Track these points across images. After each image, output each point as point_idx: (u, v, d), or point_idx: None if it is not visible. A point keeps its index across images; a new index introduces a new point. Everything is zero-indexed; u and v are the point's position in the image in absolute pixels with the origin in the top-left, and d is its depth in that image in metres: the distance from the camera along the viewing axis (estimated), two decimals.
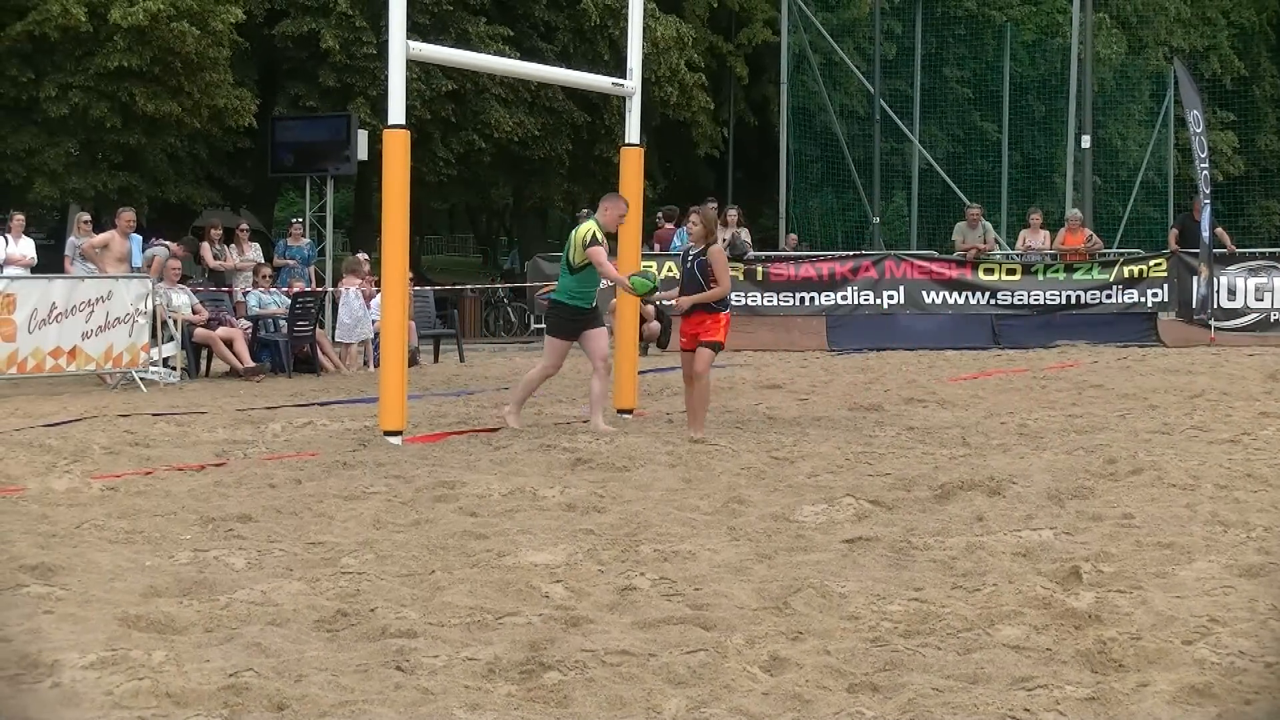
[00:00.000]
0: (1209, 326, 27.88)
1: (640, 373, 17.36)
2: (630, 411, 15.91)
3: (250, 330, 22.62)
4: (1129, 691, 5.77)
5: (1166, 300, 28.85)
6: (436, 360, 25.60)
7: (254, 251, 26.46)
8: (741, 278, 28.87)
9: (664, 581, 7.70)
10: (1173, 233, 30.82)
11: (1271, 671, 6.00)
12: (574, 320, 14.73)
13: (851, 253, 31.58)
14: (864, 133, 39.99)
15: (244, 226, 27.61)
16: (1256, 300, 28.73)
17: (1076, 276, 28.88)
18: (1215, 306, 28.16)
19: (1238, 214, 45.13)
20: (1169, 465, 11.72)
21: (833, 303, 28.97)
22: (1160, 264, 28.92)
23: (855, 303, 28.95)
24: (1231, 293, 28.64)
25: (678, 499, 10.45)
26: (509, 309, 32.98)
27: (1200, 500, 10.13)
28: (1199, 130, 29.61)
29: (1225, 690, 5.75)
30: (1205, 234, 28.32)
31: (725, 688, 5.89)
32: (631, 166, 16.28)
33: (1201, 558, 8.19)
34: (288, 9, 31.23)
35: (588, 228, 14.55)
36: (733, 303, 15.85)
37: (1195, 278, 28.31)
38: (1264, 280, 28.69)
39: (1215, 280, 28.21)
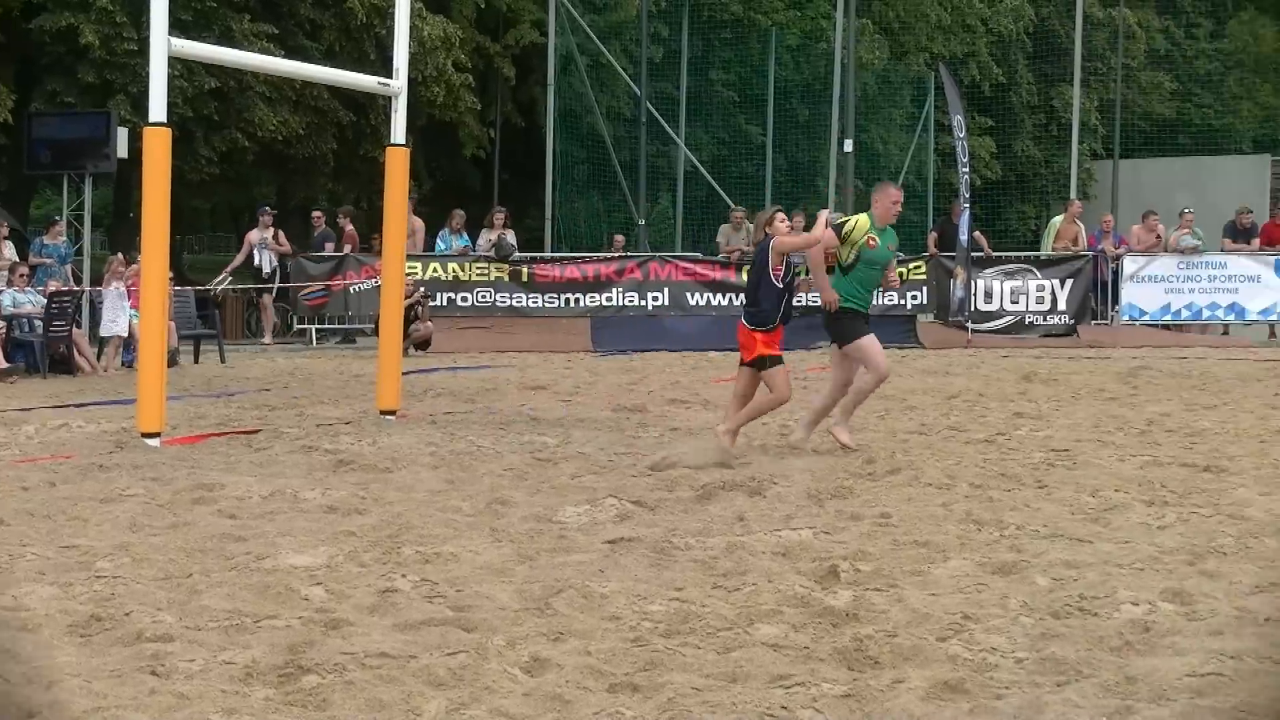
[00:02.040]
0: (966, 328, 28.39)
1: (404, 374, 17.28)
2: (393, 413, 15.81)
3: (4, 330, 22.12)
4: (884, 688, 5.85)
5: (925, 302, 29.40)
6: (197, 361, 25.21)
7: (8, 250, 25.87)
8: (507, 279, 28.91)
9: (425, 583, 7.66)
10: (932, 236, 31.38)
11: (1021, 666, 6.13)
12: (860, 316, 13.34)
13: (617, 254, 31.68)
14: (630, 135, 40.09)
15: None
16: (1012, 303, 29.38)
17: None
18: (972, 309, 28.71)
19: (995, 218, 46.00)
20: (926, 465, 11.94)
21: (598, 304, 29.09)
22: (919, 267, 29.44)
23: (620, 304, 29.11)
24: (988, 295, 29.25)
25: (440, 500, 10.41)
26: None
27: (956, 499, 10.32)
28: (961, 135, 30.16)
29: (977, 686, 5.86)
30: (963, 237, 28.83)
31: (486, 689, 5.88)
32: (397, 167, 16.20)
33: (956, 556, 8.34)
34: (45, 2, 30.55)
35: (854, 218, 13.27)
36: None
37: (953, 280, 28.82)
38: (1019, 283, 29.36)
39: (972, 283, 28.75)
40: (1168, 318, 29.97)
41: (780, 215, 12.91)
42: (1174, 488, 10.72)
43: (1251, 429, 14.47)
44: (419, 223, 30.47)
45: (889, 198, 13.15)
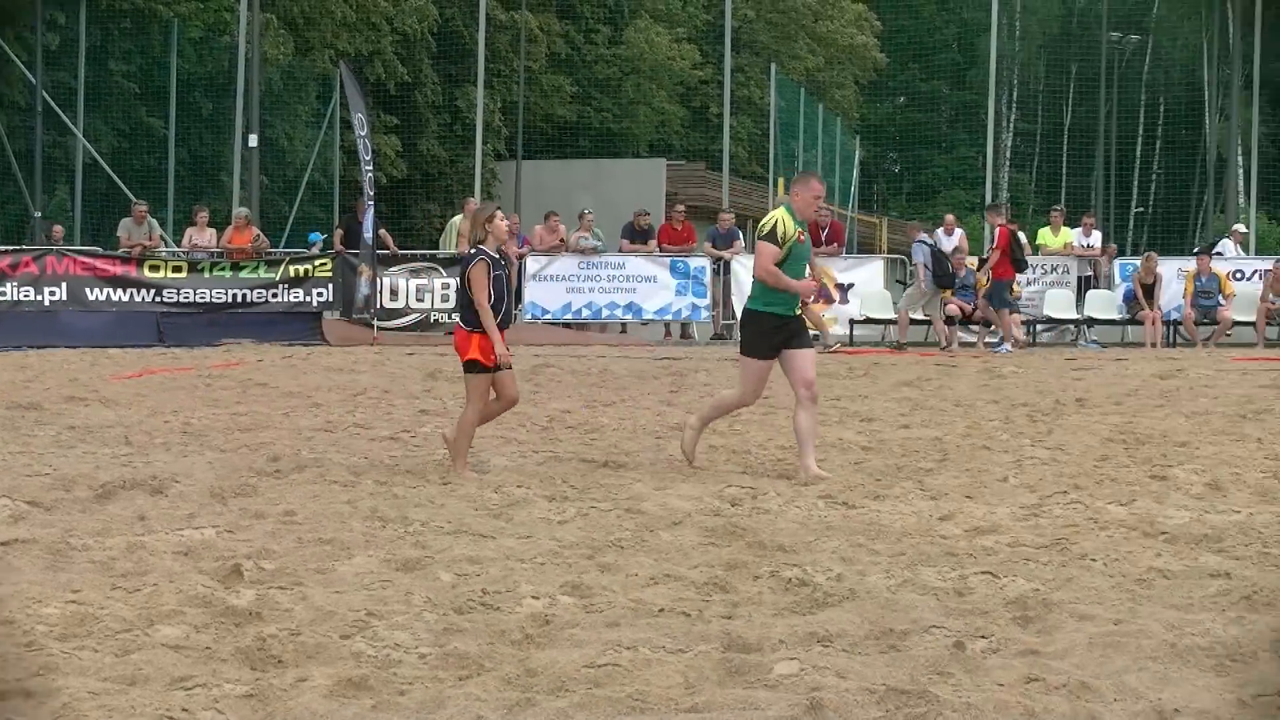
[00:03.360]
0: (372, 326, 28.52)
1: None
2: None
3: None
4: (287, 687, 5.80)
5: (331, 300, 29.35)
6: None
7: None
8: None
9: None
10: (337, 233, 31.36)
11: (424, 662, 6.17)
12: (774, 333, 11.67)
13: (11, 248, 30.55)
14: (25, 124, 38.77)
15: None
16: (417, 301, 29.63)
17: (243, 275, 29.01)
18: (378, 306, 28.84)
19: (401, 216, 46.35)
20: (331, 462, 11.92)
21: None
22: (325, 264, 29.39)
23: (15, 299, 28.10)
24: (394, 293, 29.43)
25: None
26: None
27: (361, 496, 10.34)
28: (364, 133, 30.25)
29: (380, 682, 5.87)
30: (368, 235, 28.94)
31: None
32: None
33: (361, 553, 8.34)
34: None
35: (773, 216, 11.76)
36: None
37: (359, 278, 28.88)
38: (424, 281, 29.63)
39: (378, 280, 28.87)
40: (569, 316, 30.70)
41: (500, 214, 12.17)
42: (574, 483, 10.99)
43: (648, 425, 14.97)
44: None
45: (811, 190, 11.82)
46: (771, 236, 11.52)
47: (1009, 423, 15.08)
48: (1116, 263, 31.62)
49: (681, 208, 33.26)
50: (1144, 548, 8.58)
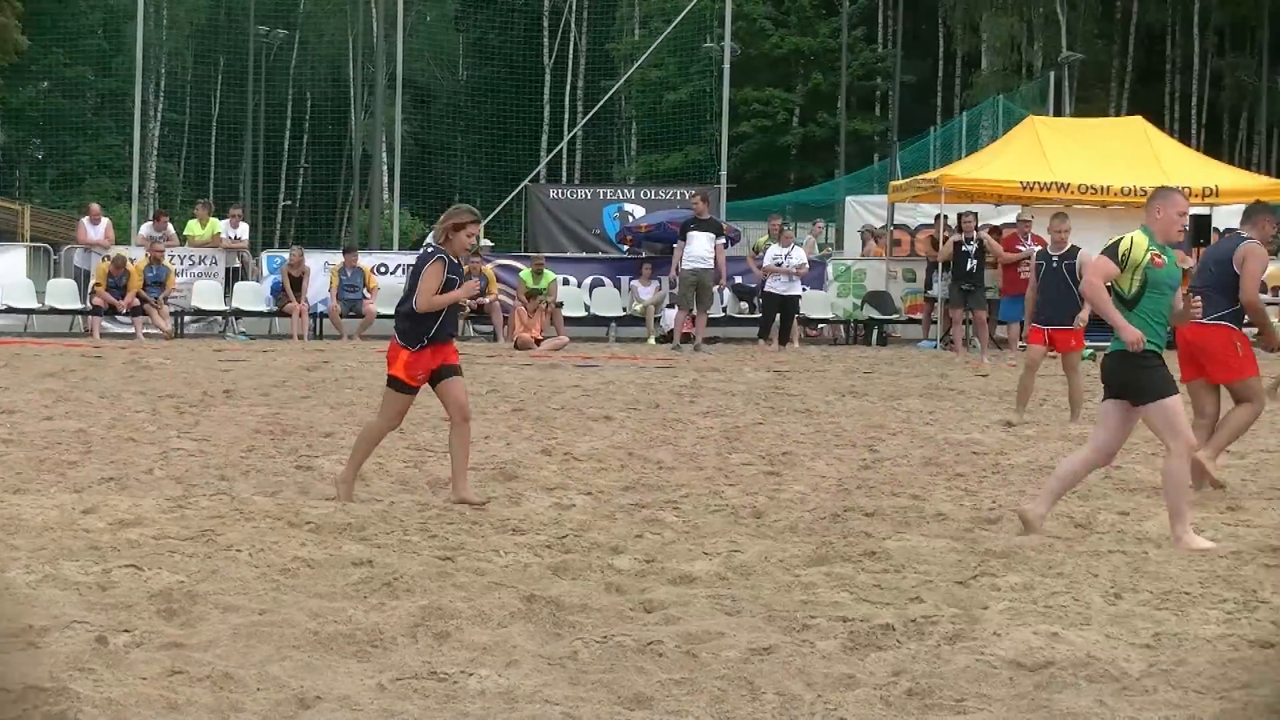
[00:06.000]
0: None
1: None
2: None
3: None
4: None
5: None
6: None
7: None
8: None
9: None
10: None
11: None
12: (1161, 364, 9.71)
13: None
14: None
15: None
16: None
17: None
18: None
19: None
20: None
21: None
22: None
23: None
24: None
25: None
26: None
27: None
28: None
29: None
30: None
31: None
32: None
33: None
34: None
35: (1137, 243, 9.82)
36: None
37: None
38: None
39: None
40: None
41: (472, 227, 10.72)
42: None
43: None
44: None
45: (1175, 207, 10.02)
46: (1111, 251, 10.00)
47: (156, 414, 15.02)
48: (264, 255, 31.98)
49: None
50: (289, 537, 8.74)
